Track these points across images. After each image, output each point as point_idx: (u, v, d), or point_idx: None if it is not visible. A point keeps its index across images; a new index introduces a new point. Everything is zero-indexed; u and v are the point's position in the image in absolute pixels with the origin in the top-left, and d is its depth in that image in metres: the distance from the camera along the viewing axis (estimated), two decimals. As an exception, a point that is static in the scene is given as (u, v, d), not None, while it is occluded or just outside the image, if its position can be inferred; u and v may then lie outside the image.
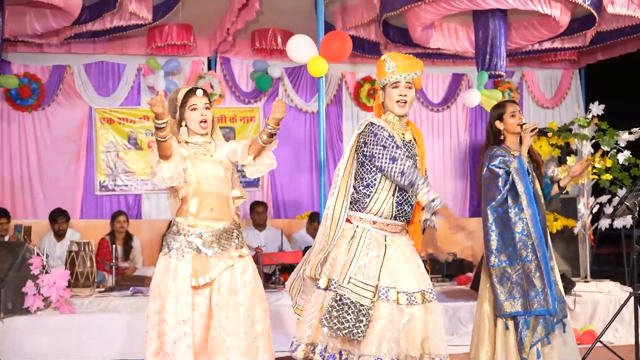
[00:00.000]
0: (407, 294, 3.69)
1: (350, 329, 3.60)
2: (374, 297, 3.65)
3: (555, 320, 4.38)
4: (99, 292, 6.87)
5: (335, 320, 3.62)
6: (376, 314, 3.65)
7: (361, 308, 3.62)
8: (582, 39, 8.69)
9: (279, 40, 9.10)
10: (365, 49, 9.02)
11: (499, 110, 4.67)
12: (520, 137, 4.58)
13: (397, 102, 3.83)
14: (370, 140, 3.79)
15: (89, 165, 9.35)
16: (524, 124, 4.54)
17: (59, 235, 8.17)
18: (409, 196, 3.82)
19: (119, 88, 9.45)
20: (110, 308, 6.35)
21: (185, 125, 3.86)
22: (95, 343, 5.98)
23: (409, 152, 3.85)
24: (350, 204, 3.83)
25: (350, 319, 3.61)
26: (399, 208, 3.81)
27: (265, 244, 8.16)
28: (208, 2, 8.05)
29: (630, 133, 7.66)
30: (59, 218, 8.15)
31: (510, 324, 4.43)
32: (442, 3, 7.20)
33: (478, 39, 7.80)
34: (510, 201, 4.43)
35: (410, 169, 3.69)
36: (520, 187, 4.41)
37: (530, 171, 4.56)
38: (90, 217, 9.27)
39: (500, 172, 4.47)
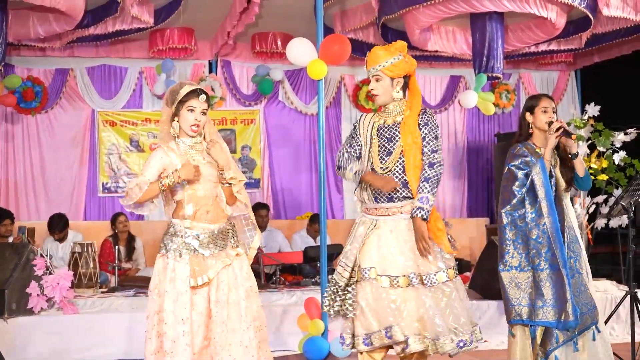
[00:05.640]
0: (389, 277, 3.80)
1: (340, 306, 3.84)
2: (351, 277, 3.84)
3: (577, 330, 4.15)
4: (102, 292, 6.92)
5: (327, 301, 3.91)
6: (361, 292, 3.83)
7: (340, 287, 3.85)
8: (578, 41, 8.76)
9: (279, 43, 9.15)
10: (364, 52, 8.92)
11: (532, 102, 4.43)
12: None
13: (369, 97, 4.03)
14: None
15: (92, 168, 9.45)
16: (552, 122, 4.29)
17: (59, 240, 8.21)
18: (388, 174, 3.93)
19: (121, 91, 9.54)
20: (113, 308, 6.40)
21: (177, 121, 3.86)
22: (98, 343, 6.02)
23: (382, 136, 3.98)
24: None
25: (338, 298, 3.85)
26: (373, 189, 3.94)
27: (265, 245, 8.23)
28: (209, 6, 8.10)
29: (625, 134, 7.68)
30: (55, 229, 8.12)
31: (519, 331, 4.27)
32: (439, 6, 7.24)
33: (475, 42, 7.85)
34: (528, 206, 4.23)
35: (341, 157, 4.02)
36: (540, 193, 4.18)
37: (553, 173, 4.30)
38: (93, 218, 9.35)
39: (519, 174, 4.25)
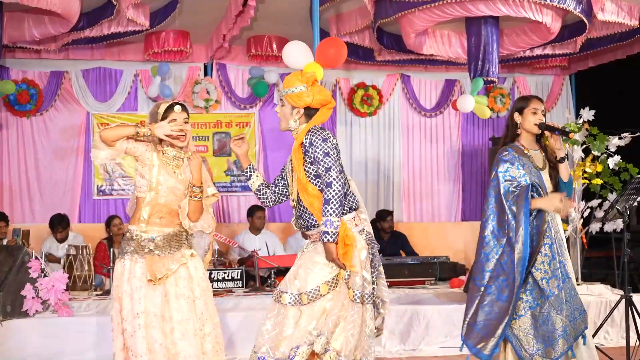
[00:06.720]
0: (282, 294, 3.88)
1: None
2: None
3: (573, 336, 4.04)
4: (97, 295, 6.91)
5: None
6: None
7: None
8: (573, 46, 8.80)
9: (275, 46, 9.16)
10: (359, 55, 9.08)
11: (521, 103, 4.29)
12: (539, 138, 4.25)
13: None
14: None
15: (87, 170, 9.42)
16: (542, 124, 4.19)
17: (60, 240, 8.23)
18: (298, 206, 4.00)
19: (116, 94, 9.51)
20: (108, 310, 6.38)
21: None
22: (92, 345, 6.02)
23: (290, 169, 4.03)
24: None
25: None
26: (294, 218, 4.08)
27: (260, 248, 8.22)
28: (205, 9, 8.11)
29: (620, 138, 7.69)
30: (57, 227, 8.18)
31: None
32: (435, 10, 7.27)
33: (470, 46, 7.88)
34: (510, 217, 4.01)
35: None
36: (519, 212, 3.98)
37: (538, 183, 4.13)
38: (88, 221, 9.33)
39: (508, 186, 4.07)
